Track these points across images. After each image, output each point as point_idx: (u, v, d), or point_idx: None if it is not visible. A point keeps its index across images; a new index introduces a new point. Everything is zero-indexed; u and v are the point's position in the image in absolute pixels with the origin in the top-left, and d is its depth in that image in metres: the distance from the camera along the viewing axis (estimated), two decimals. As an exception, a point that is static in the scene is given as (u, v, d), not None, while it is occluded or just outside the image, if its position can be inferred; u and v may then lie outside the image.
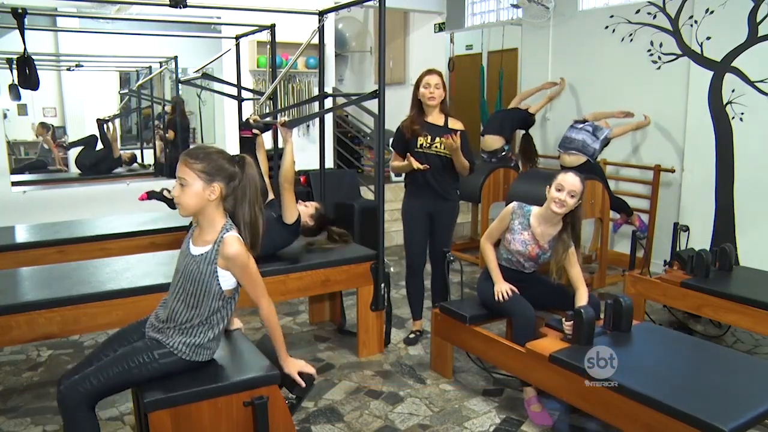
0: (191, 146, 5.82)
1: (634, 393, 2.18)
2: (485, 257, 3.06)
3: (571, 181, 2.77)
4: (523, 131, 5.46)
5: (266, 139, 3.71)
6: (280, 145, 3.98)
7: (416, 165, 3.32)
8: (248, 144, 3.30)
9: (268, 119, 3.73)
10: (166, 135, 5.88)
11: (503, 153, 5.42)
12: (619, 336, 2.65)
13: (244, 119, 3.39)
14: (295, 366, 2.10)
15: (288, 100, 6.15)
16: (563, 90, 5.56)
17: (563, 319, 2.65)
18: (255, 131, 3.27)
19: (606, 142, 4.72)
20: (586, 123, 4.73)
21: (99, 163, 5.92)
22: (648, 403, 2.13)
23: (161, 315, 2.09)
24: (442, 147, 3.36)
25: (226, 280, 2.00)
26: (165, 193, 3.13)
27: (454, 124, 3.43)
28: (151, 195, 3.17)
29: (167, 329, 2.03)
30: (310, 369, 2.11)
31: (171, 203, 3.08)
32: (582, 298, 2.79)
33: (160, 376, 1.98)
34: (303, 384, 2.09)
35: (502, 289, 2.91)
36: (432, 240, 3.57)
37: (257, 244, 2.08)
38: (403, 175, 3.58)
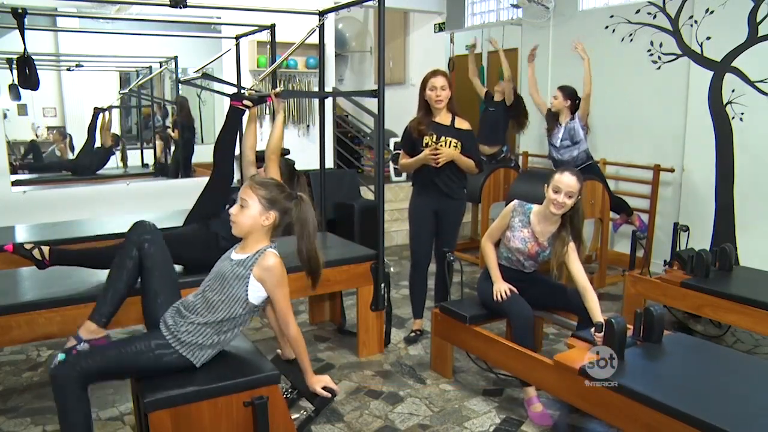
0: (194, 146, 5.91)
1: (634, 393, 2.17)
2: (485, 256, 3.06)
3: (567, 181, 2.75)
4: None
5: (266, 137, 3.69)
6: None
7: (429, 156, 3.34)
8: (236, 115, 3.24)
9: (262, 92, 3.68)
10: (172, 134, 5.90)
11: (502, 155, 5.43)
12: (651, 347, 2.53)
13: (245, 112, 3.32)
14: (319, 382, 2.18)
15: (287, 100, 6.15)
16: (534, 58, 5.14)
17: (593, 330, 2.55)
18: (246, 103, 3.22)
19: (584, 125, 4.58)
20: (561, 137, 4.57)
21: (92, 161, 5.92)
22: (648, 403, 2.12)
23: (188, 303, 2.14)
24: (447, 146, 3.39)
25: (255, 292, 2.07)
26: (35, 253, 2.70)
27: (461, 123, 3.47)
28: (17, 250, 2.73)
29: (182, 318, 2.08)
30: (333, 385, 2.20)
31: (39, 263, 2.81)
32: (593, 306, 2.71)
33: (154, 367, 2.00)
34: (328, 395, 2.16)
35: (501, 288, 2.91)
36: (438, 238, 3.59)
37: (317, 279, 2.24)
38: (404, 175, 3.60)
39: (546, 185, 2.83)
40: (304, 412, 2.24)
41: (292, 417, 2.22)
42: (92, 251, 2.88)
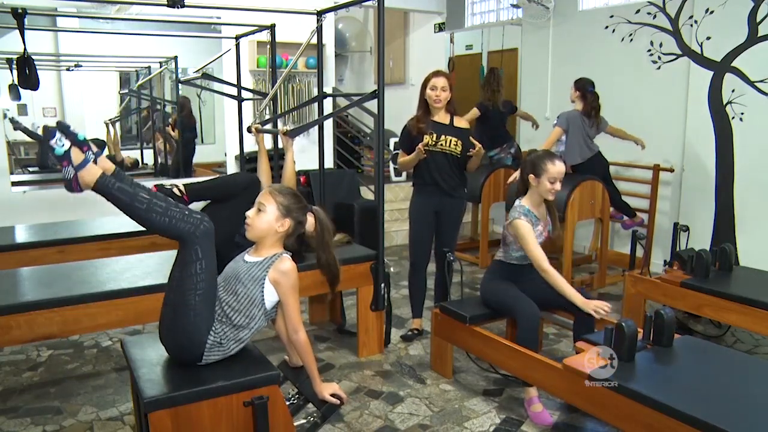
0: (195, 146, 5.92)
1: (637, 394, 2.16)
2: (556, 282, 2.90)
3: (560, 169, 2.93)
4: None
5: (267, 142, 3.71)
6: (279, 145, 3.99)
7: (421, 151, 3.35)
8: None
9: (268, 127, 3.75)
10: (172, 133, 5.92)
11: (510, 149, 5.45)
12: (661, 351, 2.47)
13: (245, 126, 3.41)
14: (328, 389, 2.21)
15: (288, 100, 6.15)
16: None
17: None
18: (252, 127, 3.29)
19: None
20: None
21: None
22: (651, 405, 2.11)
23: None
24: (448, 145, 3.41)
25: (270, 295, 2.10)
26: (175, 190, 3.07)
27: (459, 122, 3.51)
28: (159, 189, 3.07)
29: (222, 321, 2.08)
30: (341, 392, 2.22)
31: (180, 200, 3.02)
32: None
33: (183, 299, 2.00)
34: (336, 402, 2.19)
35: (597, 305, 2.81)
36: (438, 237, 3.60)
37: (335, 284, 2.35)
38: (404, 175, 3.61)
39: (533, 175, 2.95)
40: (311, 419, 2.25)
41: (299, 423, 2.24)
42: (217, 181, 3.27)
